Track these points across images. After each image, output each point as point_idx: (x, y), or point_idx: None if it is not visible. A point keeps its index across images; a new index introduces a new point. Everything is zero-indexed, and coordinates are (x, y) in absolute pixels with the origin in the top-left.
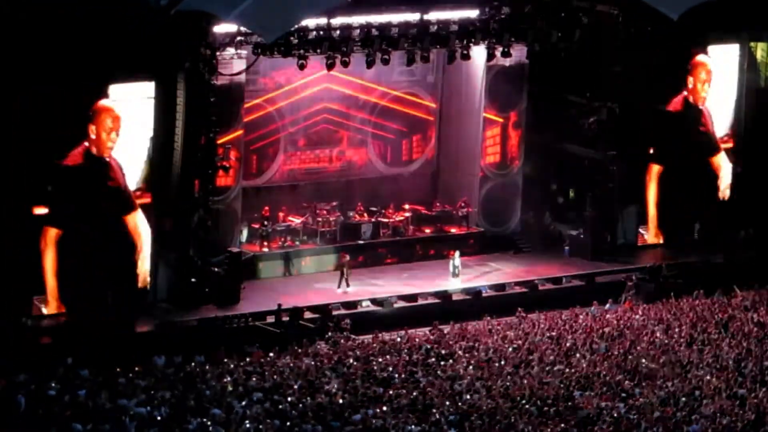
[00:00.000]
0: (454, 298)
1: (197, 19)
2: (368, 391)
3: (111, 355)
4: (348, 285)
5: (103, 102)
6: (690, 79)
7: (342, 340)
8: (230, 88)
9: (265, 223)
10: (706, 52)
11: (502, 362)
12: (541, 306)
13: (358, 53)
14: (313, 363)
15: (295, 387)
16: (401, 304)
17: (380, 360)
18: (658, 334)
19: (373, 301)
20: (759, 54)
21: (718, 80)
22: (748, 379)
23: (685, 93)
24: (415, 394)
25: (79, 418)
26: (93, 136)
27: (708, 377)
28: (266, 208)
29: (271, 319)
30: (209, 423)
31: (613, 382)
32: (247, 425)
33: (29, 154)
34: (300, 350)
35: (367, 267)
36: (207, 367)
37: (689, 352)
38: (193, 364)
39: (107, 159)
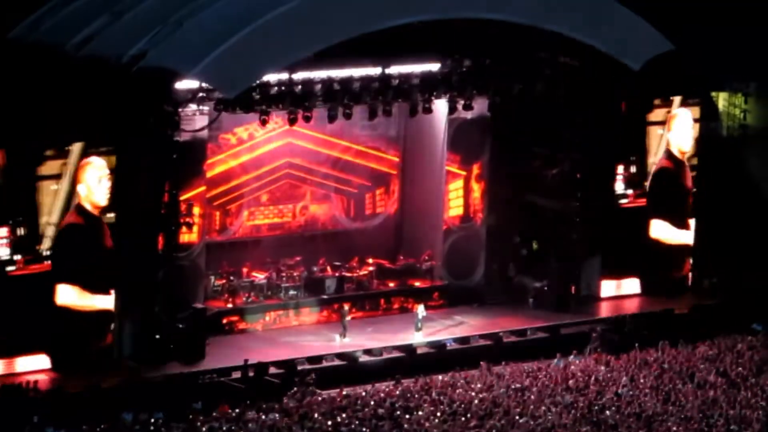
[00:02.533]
0: (419, 351)
1: (159, 76)
2: None
3: (78, 413)
4: (345, 336)
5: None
6: (669, 133)
7: (307, 395)
8: (193, 144)
9: (231, 278)
10: (670, 103)
11: (468, 415)
12: (505, 358)
13: (320, 108)
14: (278, 418)
15: None
16: (366, 358)
17: (345, 414)
18: (623, 386)
19: (338, 356)
20: (721, 104)
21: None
22: (713, 429)
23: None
24: None
25: None
26: (84, 193)
27: (674, 428)
28: (227, 263)
29: (236, 374)
30: None
31: None
32: None
33: None
34: (266, 405)
35: (331, 322)
36: (172, 423)
37: (654, 403)
38: (159, 420)
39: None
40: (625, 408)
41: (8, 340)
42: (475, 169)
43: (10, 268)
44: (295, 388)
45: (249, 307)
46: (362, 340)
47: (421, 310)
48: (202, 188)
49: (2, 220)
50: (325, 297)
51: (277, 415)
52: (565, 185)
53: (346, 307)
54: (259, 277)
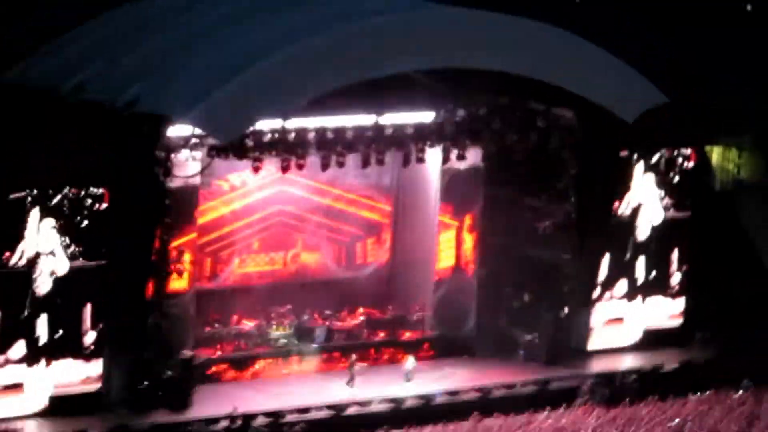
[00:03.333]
0: (407, 403)
1: (151, 121)
2: None
3: None
4: (352, 384)
5: None
6: None
7: None
8: (185, 190)
9: (216, 326)
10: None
11: None
12: (495, 411)
13: (313, 156)
14: None
15: None
16: (355, 409)
17: None
18: None
19: (327, 406)
20: (714, 158)
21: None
22: None
23: None
24: None
25: None
26: None
27: None
28: (216, 311)
29: (224, 423)
30: None
31: None
32: None
33: None
34: None
35: (321, 371)
36: None
37: None
38: None
39: None
40: None
41: None
42: (468, 220)
43: None
44: None
45: (238, 355)
46: (351, 390)
47: (410, 361)
48: (194, 235)
49: None
50: (314, 346)
51: None
52: (557, 237)
53: (355, 356)
54: (249, 325)
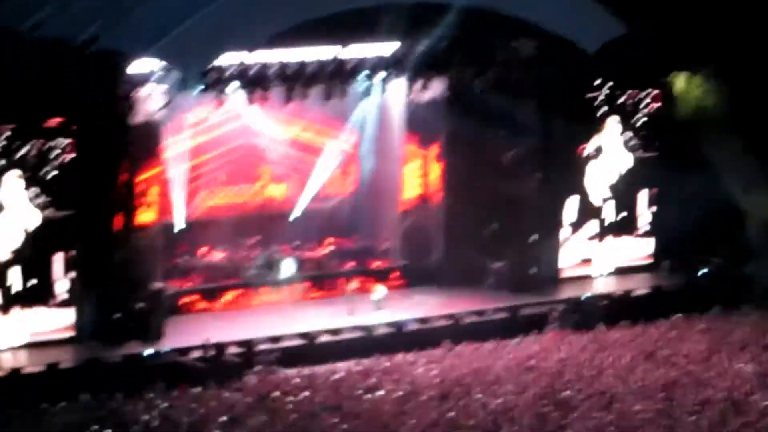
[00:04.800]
0: (378, 331)
1: (112, 58)
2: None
3: (36, 393)
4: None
5: None
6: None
7: (268, 375)
8: (149, 125)
9: (185, 258)
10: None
11: (430, 393)
12: (465, 339)
13: (276, 89)
14: (239, 397)
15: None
16: (326, 338)
17: (305, 394)
18: (583, 365)
19: (298, 336)
20: (678, 86)
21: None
22: (676, 408)
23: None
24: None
25: None
26: None
27: (636, 406)
28: (185, 243)
29: (196, 354)
30: None
31: (540, 414)
32: None
33: None
34: (226, 385)
35: (290, 301)
36: (133, 403)
37: (616, 382)
38: (117, 400)
39: None
40: (587, 387)
41: None
42: (434, 150)
43: None
44: (259, 367)
45: (207, 287)
46: (322, 320)
47: (380, 290)
48: (159, 168)
49: None
50: (282, 277)
51: (238, 393)
52: (522, 168)
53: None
54: (218, 257)
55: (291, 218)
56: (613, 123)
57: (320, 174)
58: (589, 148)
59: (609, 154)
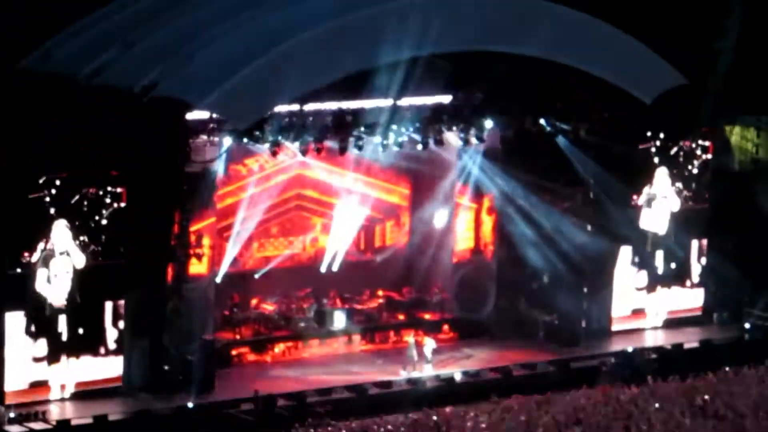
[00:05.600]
0: (428, 384)
1: (170, 106)
2: None
3: None
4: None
5: None
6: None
7: (317, 428)
8: (203, 175)
9: (235, 310)
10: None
11: None
12: (515, 392)
13: (331, 139)
14: None
15: None
16: (376, 390)
17: None
18: (632, 420)
19: (348, 388)
20: (734, 138)
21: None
22: None
23: None
24: None
25: None
26: None
27: None
28: (236, 295)
29: (246, 406)
30: None
31: None
32: None
33: None
34: None
35: (340, 353)
36: None
37: None
38: None
39: None
40: None
41: None
42: (486, 202)
43: None
44: (309, 420)
45: (258, 338)
46: (372, 373)
47: (429, 342)
48: (212, 219)
49: None
50: (333, 329)
51: None
52: (576, 221)
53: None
54: (269, 308)
55: (335, 268)
56: (665, 173)
57: (373, 225)
58: (641, 199)
59: (660, 204)
